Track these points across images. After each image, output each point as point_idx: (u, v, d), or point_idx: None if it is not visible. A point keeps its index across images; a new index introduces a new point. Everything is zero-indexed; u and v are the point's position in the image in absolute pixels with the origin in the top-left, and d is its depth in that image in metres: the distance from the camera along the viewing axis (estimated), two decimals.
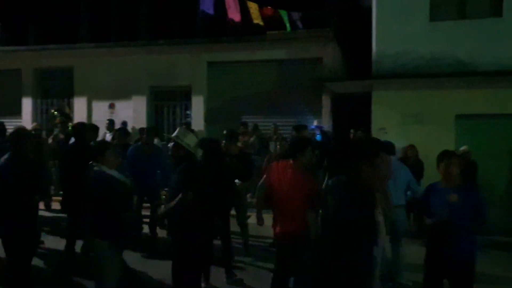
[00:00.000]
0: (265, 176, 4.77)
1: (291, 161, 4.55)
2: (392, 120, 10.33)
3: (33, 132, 8.83)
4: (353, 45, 13.04)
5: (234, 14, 11.40)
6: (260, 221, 5.09)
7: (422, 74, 10.18)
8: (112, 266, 4.03)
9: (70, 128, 10.42)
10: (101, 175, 4.10)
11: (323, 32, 11.88)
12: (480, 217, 4.15)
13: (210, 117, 12.94)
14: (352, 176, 3.92)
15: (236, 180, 6.71)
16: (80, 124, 7.09)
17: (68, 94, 14.53)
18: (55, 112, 12.54)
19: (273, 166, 4.69)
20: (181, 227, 4.08)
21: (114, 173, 4.11)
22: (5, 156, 4.66)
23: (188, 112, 13.53)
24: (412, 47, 10.39)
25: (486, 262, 7.08)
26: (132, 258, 5.74)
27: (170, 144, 6.21)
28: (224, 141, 6.72)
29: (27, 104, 14.80)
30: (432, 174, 8.30)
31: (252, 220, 8.17)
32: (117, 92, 13.81)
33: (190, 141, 4.35)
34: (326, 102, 12.02)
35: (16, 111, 14.51)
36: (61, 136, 10.85)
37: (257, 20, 11.43)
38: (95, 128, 7.52)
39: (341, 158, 4.87)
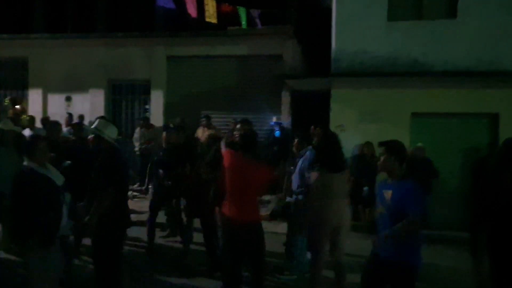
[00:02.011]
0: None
1: (241, 153, 4.61)
2: (350, 118, 10.44)
3: None
4: (313, 42, 13.12)
5: (191, 10, 11.25)
6: None
7: (379, 72, 10.31)
8: (41, 267, 3.87)
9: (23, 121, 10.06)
10: (27, 172, 3.93)
11: (284, 29, 11.91)
12: (412, 212, 3.71)
13: (169, 112, 12.73)
14: None
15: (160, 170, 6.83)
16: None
17: (22, 85, 14.08)
18: (7, 101, 12.07)
19: (229, 156, 4.71)
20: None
21: (42, 169, 3.94)
22: None
23: (147, 106, 13.31)
24: (370, 46, 10.51)
25: (436, 256, 7.35)
26: None
27: (90, 137, 6.19)
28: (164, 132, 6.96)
29: None
30: None
31: None
32: (73, 84, 13.45)
33: (111, 132, 4.36)
34: (285, 98, 12.06)
35: None
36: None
37: (210, 18, 11.31)
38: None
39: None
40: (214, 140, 6.66)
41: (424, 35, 10.30)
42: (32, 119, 9.92)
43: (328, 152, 5.14)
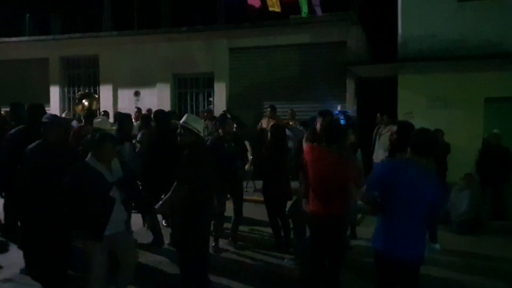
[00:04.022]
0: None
1: (327, 147, 4.47)
2: (419, 104, 10.10)
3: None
4: (377, 27, 12.73)
5: (253, 0, 11.22)
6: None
7: (449, 56, 9.89)
8: (92, 259, 4.00)
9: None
10: (81, 167, 4.05)
11: (347, 15, 11.62)
12: None
13: (232, 103, 12.85)
14: None
15: None
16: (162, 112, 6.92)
17: (94, 82, 14.75)
18: (77, 96, 12.51)
19: (313, 148, 4.63)
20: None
21: (98, 165, 4.01)
22: (36, 142, 4.68)
23: (210, 99, 13.52)
24: (439, 28, 10.09)
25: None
26: None
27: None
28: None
29: (54, 92, 15.10)
30: (457, 158, 8.16)
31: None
32: (141, 80, 13.92)
33: (199, 126, 4.44)
34: (350, 86, 11.78)
35: (45, 99, 14.76)
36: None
37: (273, 7, 11.19)
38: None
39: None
40: (278, 129, 6.63)
41: (498, 15, 9.76)
42: (106, 113, 10.30)
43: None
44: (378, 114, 10.43)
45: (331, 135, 4.43)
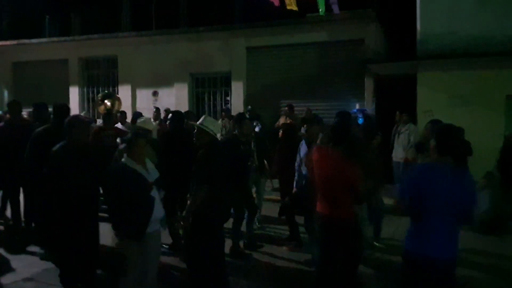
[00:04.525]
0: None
1: (333, 148, 4.39)
2: (438, 102, 9.97)
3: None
4: (396, 25, 12.59)
5: None
6: None
7: (470, 53, 9.74)
8: (130, 259, 4.02)
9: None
10: (118, 167, 4.07)
11: (365, 13, 11.52)
12: None
13: (250, 102, 12.83)
14: None
15: None
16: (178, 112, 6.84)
17: (113, 82, 14.91)
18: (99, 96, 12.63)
19: (319, 149, 4.59)
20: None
21: (135, 165, 4.02)
22: (61, 143, 4.69)
23: (228, 98, 13.54)
24: (459, 25, 9.93)
25: None
26: None
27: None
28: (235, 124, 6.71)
29: (74, 92, 15.31)
30: (478, 156, 8.01)
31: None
32: (159, 79, 14.02)
33: (215, 128, 4.46)
34: (368, 84, 11.67)
35: (64, 99, 14.92)
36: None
37: (290, 6, 11.13)
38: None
39: None
40: (289, 128, 6.61)
41: None
42: (123, 114, 10.34)
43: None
44: (398, 112, 10.33)
45: (337, 137, 4.39)
